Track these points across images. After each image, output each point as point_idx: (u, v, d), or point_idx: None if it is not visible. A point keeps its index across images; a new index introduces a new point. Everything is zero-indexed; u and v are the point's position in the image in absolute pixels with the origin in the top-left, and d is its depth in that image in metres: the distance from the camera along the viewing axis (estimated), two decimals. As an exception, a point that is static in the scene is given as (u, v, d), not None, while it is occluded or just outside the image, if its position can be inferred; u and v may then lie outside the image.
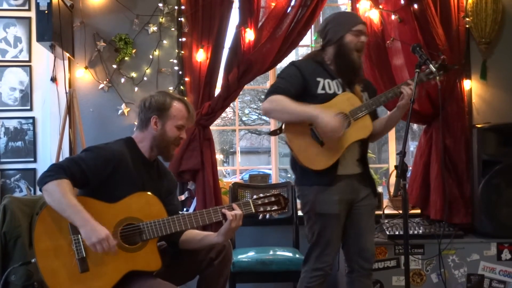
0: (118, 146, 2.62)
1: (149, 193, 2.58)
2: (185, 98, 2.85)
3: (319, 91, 2.91)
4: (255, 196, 2.69)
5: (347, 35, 2.94)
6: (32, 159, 4.23)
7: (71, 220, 2.37)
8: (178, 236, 2.69)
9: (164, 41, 4.26)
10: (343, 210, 2.94)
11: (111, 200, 2.50)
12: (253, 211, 2.62)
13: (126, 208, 2.51)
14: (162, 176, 2.79)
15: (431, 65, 2.85)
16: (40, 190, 2.44)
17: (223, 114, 4.96)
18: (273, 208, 2.65)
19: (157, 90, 4.10)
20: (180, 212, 2.73)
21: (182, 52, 4.19)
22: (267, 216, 2.66)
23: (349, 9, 4.47)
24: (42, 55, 4.20)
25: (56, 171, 2.43)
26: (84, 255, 2.40)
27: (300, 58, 3.14)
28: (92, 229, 2.34)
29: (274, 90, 2.91)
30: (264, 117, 13.52)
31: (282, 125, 2.97)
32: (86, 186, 2.54)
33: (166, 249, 2.77)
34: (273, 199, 2.66)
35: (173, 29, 4.25)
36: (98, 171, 2.50)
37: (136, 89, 4.22)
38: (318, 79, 2.93)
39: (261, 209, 2.64)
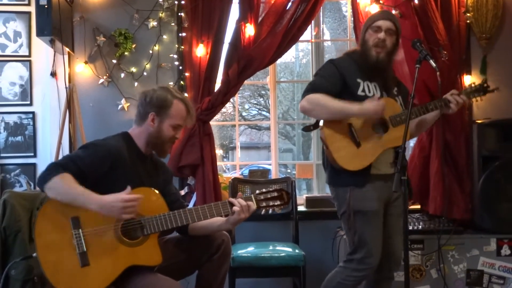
0: (115, 142, 2.62)
1: (150, 188, 2.59)
2: (186, 97, 2.79)
3: (359, 92, 2.90)
4: (257, 191, 2.67)
5: (367, 31, 2.95)
6: (32, 154, 4.22)
7: (85, 206, 2.39)
8: (187, 225, 2.69)
9: (164, 36, 4.25)
10: (381, 207, 2.92)
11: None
12: (255, 206, 2.61)
13: None
14: (158, 168, 2.79)
15: (431, 60, 2.84)
16: (42, 190, 2.44)
17: (223, 109, 4.95)
18: (276, 203, 2.64)
19: (158, 85, 4.13)
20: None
21: (182, 47, 4.19)
22: (270, 211, 2.65)
23: (349, 4, 4.46)
24: (42, 50, 4.19)
25: (55, 168, 2.44)
26: (85, 250, 2.41)
27: (340, 56, 3.11)
28: (110, 206, 2.37)
29: (312, 88, 2.89)
30: (264, 113, 13.49)
31: (316, 121, 2.96)
32: (84, 183, 2.54)
33: (167, 243, 2.78)
34: (275, 194, 2.65)
35: (173, 24, 4.25)
36: (95, 168, 2.50)
37: (136, 84, 4.22)
38: (358, 80, 2.92)
39: (264, 204, 2.63)
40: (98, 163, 2.51)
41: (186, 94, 4.14)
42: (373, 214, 2.88)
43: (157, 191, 2.60)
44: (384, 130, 2.90)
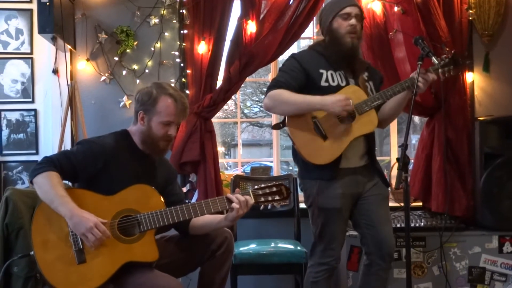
0: (110, 140, 2.62)
1: (146, 185, 2.58)
2: (178, 92, 2.67)
3: (323, 83, 2.86)
4: (256, 186, 2.65)
5: (334, 20, 2.89)
6: (34, 151, 4.23)
7: (58, 211, 2.38)
8: (187, 224, 2.70)
9: (166, 33, 4.25)
10: (347, 204, 2.91)
11: (108, 193, 2.51)
12: (253, 201, 2.59)
13: (124, 200, 2.51)
14: (158, 167, 2.76)
15: (433, 57, 2.81)
16: (31, 182, 2.46)
17: (225, 107, 4.96)
18: (275, 198, 2.61)
19: (153, 82, 4.13)
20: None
21: (184, 44, 4.18)
22: (269, 206, 2.63)
23: (351, 1, 4.44)
24: (43, 47, 4.19)
25: (46, 163, 2.46)
26: (81, 247, 2.41)
27: (301, 50, 3.07)
28: (79, 220, 2.35)
29: (274, 84, 2.87)
30: (266, 110, 13.51)
31: (284, 118, 2.93)
32: (76, 179, 2.57)
33: (169, 240, 2.79)
34: (274, 189, 2.63)
35: (174, 21, 4.24)
36: (86, 166, 2.51)
37: (137, 81, 4.22)
38: (321, 70, 2.88)
39: (262, 199, 2.61)
40: (90, 160, 2.52)
41: (187, 92, 4.14)
42: (337, 211, 2.88)
43: (153, 188, 2.59)
44: (352, 119, 2.84)
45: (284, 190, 2.64)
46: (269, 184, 2.65)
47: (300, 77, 2.87)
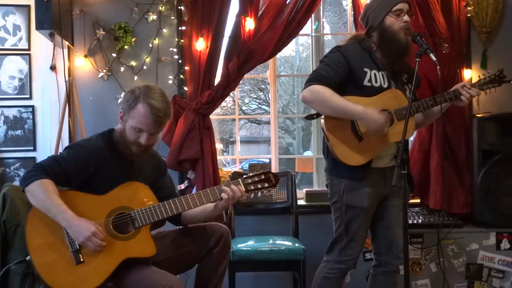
0: (99, 142, 2.61)
1: (137, 182, 2.59)
2: (161, 103, 2.55)
3: (366, 82, 2.80)
4: (244, 176, 2.69)
5: (387, 17, 2.82)
6: (32, 148, 4.22)
7: (56, 220, 2.38)
8: (178, 215, 2.70)
9: (164, 30, 4.24)
10: (374, 203, 2.89)
11: (100, 193, 2.52)
12: (243, 190, 2.62)
13: (116, 198, 2.52)
14: (147, 162, 2.75)
15: (431, 55, 2.80)
16: (23, 190, 2.44)
17: (223, 104, 4.94)
18: (264, 186, 2.65)
19: (157, 79, 4.13)
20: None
21: (182, 40, 4.18)
22: (259, 194, 2.66)
23: (349, -2, 4.44)
24: (41, 43, 4.18)
25: (38, 171, 2.43)
26: (78, 247, 2.41)
27: (345, 42, 2.94)
28: (78, 228, 2.36)
29: (315, 78, 2.77)
30: (264, 107, 13.48)
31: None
32: (69, 184, 2.55)
33: (165, 237, 2.79)
34: (263, 177, 2.66)
35: (172, 17, 4.23)
36: (79, 170, 2.51)
37: (135, 78, 4.21)
38: (366, 69, 2.81)
39: (252, 187, 2.65)
40: (82, 165, 2.51)
41: (185, 88, 4.14)
42: (363, 210, 2.85)
43: (144, 184, 2.60)
44: (390, 123, 2.80)
45: (272, 178, 2.67)
46: (257, 173, 2.68)
47: (344, 73, 2.78)
